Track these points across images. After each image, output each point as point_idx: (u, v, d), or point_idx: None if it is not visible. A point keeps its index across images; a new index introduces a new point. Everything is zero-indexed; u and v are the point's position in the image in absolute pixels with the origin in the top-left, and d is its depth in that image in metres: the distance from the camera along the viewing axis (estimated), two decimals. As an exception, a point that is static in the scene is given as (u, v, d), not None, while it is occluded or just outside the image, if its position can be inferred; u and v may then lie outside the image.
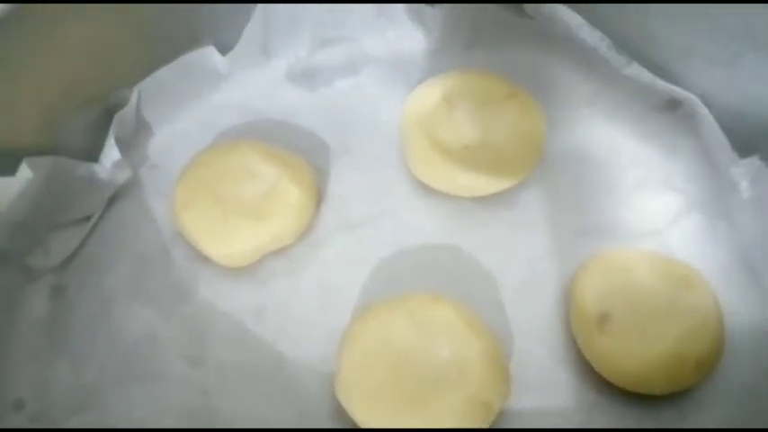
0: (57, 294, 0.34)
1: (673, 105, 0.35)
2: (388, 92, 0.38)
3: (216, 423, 0.31)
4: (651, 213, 0.34)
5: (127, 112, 0.35)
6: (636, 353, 0.28)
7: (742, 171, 0.33)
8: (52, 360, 0.32)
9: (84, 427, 0.31)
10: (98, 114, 0.35)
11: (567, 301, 0.32)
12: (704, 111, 0.34)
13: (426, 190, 0.35)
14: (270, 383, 0.31)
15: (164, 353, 0.32)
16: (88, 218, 0.35)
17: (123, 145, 0.35)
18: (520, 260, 0.33)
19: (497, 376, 0.28)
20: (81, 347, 0.33)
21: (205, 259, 0.34)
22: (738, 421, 0.30)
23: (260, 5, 0.36)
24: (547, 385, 0.31)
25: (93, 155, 0.35)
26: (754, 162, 0.33)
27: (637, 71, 0.35)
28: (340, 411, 0.29)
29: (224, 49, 0.37)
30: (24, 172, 0.31)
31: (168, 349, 0.32)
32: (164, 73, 0.36)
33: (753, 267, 0.33)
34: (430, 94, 0.35)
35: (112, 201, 0.36)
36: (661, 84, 0.35)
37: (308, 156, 0.36)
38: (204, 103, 0.38)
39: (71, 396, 0.32)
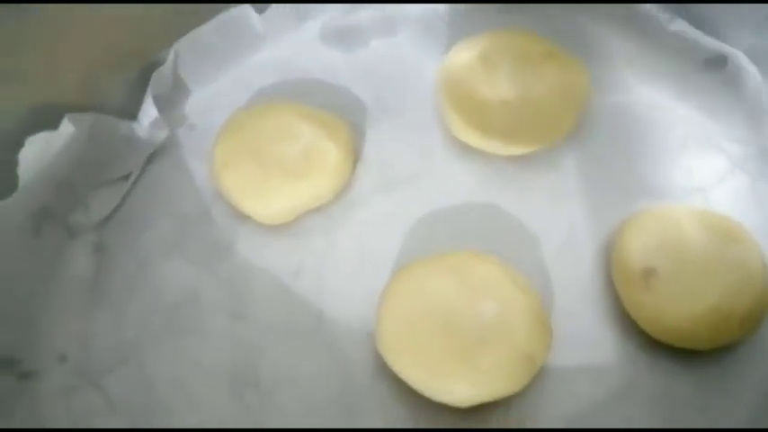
0: (98, 252, 0.34)
1: (717, 63, 0.34)
2: (424, 52, 0.37)
3: (258, 380, 0.31)
4: (694, 173, 0.34)
5: (164, 70, 0.35)
6: (681, 307, 0.28)
7: (789, 129, 0.32)
8: (94, 316, 0.32)
9: (126, 380, 0.31)
10: (137, 73, 0.35)
11: (610, 257, 0.31)
12: (751, 67, 0.33)
13: (464, 150, 0.34)
14: (311, 340, 0.31)
15: (204, 309, 0.32)
16: (127, 177, 0.35)
17: (161, 104, 0.35)
18: (560, 220, 0.33)
19: (541, 331, 0.28)
20: (122, 304, 0.33)
21: (244, 217, 0.33)
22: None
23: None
24: (588, 341, 0.30)
25: (131, 113, 0.35)
26: (803, 119, 0.32)
27: (681, 27, 0.34)
28: (383, 367, 0.29)
29: (260, 9, 0.36)
30: (66, 127, 0.31)
31: (208, 306, 0.32)
32: (201, 32, 0.36)
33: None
34: (467, 53, 0.35)
35: (151, 160, 0.36)
36: (706, 40, 0.34)
37: (344, 115, 0.35)
38: (241, 62, 0.37)
39: (112, 351, 0.32)
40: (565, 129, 0.33)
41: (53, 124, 0.31)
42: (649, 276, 0.28)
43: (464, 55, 0.35)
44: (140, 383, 0.31)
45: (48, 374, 0.31)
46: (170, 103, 0.36)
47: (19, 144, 0.30)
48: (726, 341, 0.28)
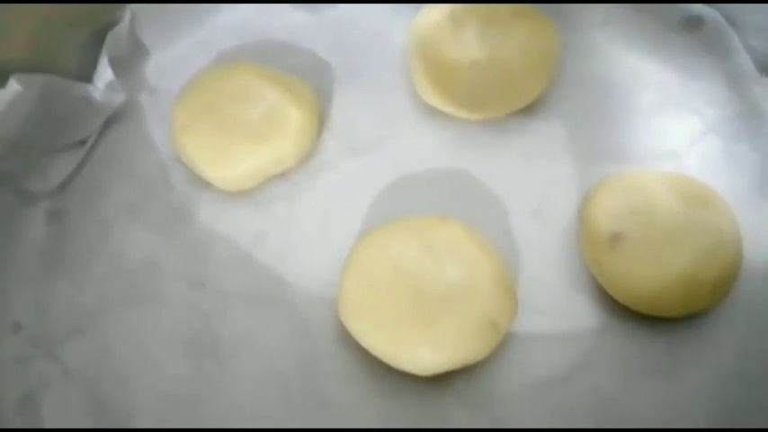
0: (54, 218, 0.33)
1: (693, 24, 0.33)
2: (393, 14, 0.36)
3: (218, 347, 0.30)
4: (668, 136, 0.33)
5: (120, 30, 0.34)
6: (649, 273, 0.27)
7: (763, 90, 0.31)
8: (50, 283, 0.31)
9: (82, 349, 0.30)
10: (91, 33, 0.33)
11: (579, 222, 0.30)
12: (727, 29, 0.32)
13: (433, 113, 0.33)
14: (272, 308, 0.31)
15: (164, 276, 0.32)
16: (84, 141, 0.33)
17: (118, 66, 0.34)
18: (530, 185, 0.32)
19: (505, 296, 0.27)
20: (79, 271, 0.32)
21: (205, 183, 0.32)
22: (753, 346, 0.29)
23: None
24: (556, 309, 0.30)
25: (87, 76, 0.33)
26: (777, 81, 0.31)
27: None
28: (345, 334, 0.29)
29: (224, -34, 0.35)
30: (13, 86, 0.29)
31: (168, 273, 0.32)
32: (160, -7, 0.34)
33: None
34: (436, 14, 0.33)
35: (109, 124, 0.34)
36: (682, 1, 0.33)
37: (310, 79, 0.34)
38: (203, 24, 0.36)
39: (69, 319, 0.31)
40: (535, 92, 0.32)
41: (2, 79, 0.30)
42: (616, 241, 0.28)
43: (433, 16, 0.33)
44: (97, 352, 0.30)
45: (1, 344, 0.30)
46: (128, 65, 0.35)
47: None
48: (696, 309, 0.28)
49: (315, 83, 0.34)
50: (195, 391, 0.29)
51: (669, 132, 0.33)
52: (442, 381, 0.28)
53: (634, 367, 0.29)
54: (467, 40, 0.32)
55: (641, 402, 0.28)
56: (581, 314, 0.29)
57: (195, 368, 0.30)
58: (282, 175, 0.33)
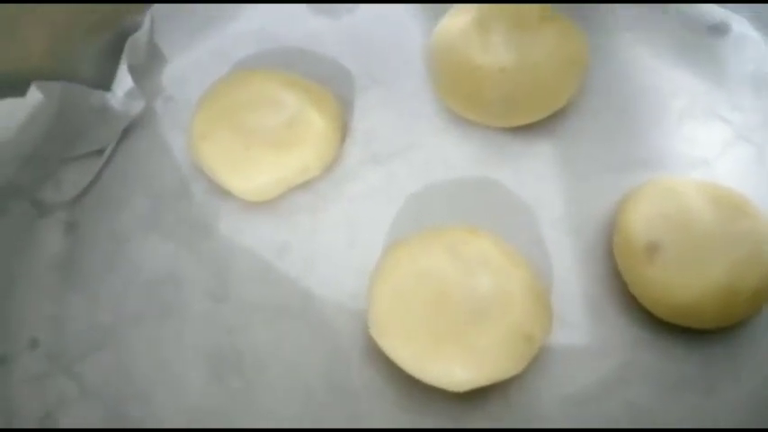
0: (71, 230, 0.32)
1: (720, 29, 0.33)
2: (415, 19, 0.35)
3: (242, 362, 0.29)
4: (698, 143, 0.32)
5: (139, 37, 0.33)
6: (686, 284, 0.27)
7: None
8: (67, 298, 0.31)
9: (101, 366, 0.29)
10: (111, 40, 0.33)
11: (612, 232, 0.30)
12: (754, 34, 0.32)
13: (458, 120, 0.33)
14: (297, 321, 0.30)
15: (184, 290, 0.31)
16: (101, 151, 0.33)
17: (137, 74, 0.33)
18: (559, 193, 0.32)
19: (539, 309, 0.27)
20: (97, 285, 0.31)
21: (226, 193, 0.32)
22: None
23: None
24: (588, 320, 0.29)
25: (105, 83, 0.33)
26: (807, 88, 0.31)
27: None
28: (374, 349, 0.28)
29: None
30: (33, 95, 0.29)
31: (188, 286, 0.31)
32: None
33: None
34: (461, 19, 0.33)
35: (126, 133, 0.34)
36: (709, 6, 0.33)
37: (331, 86, 0.34)
38: (221, 29, 0.36)
39: (87, 335, 0.30)
40: (563, 98, 0.32)
41: (19, 93, 0.29)
42: (653, 251, 0.27)
43: (458, 20, 0.33)
44: (116, 369, 0.30)
45: (18, 360, 0.29)
46: (146, 72, 0.34)
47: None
48: (733, 320, 0.27)
49: (336, 90, 0.34)
50: (218, 408, 0.29)
51: (699, 139, 0.32)
52: (474, 397, 0.27)
53: (669, 381, 0.28)
54: (493, 45, 0.32)
55: (677, 417, 0.28)
56: (614, 326, 0.29)
57: (218, 384, 0.29)
58: (305, 185, 0.32)
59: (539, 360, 0.28)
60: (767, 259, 0.27)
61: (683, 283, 0.27)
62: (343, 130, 0.33)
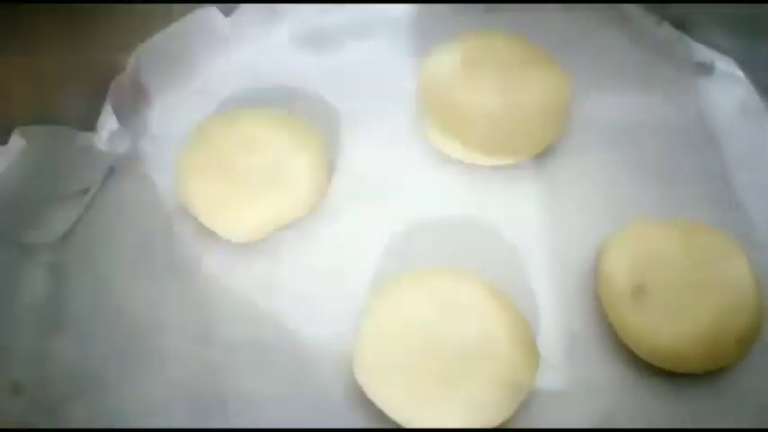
0: (55, 272, 0.33)
1: (706, 69, 0.35)
2: (402, 56, 0.37)
3: (227, 405, 0.30)
4: (681, 183, 0.33)
5: (124, 78, 0.34)
6: (672, 328, 0.28)
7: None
8: (51, 341, 0.32)
9: (86, 408, 0.30)
10: (95, 81, 0.34)
11: (596, 273, 0.31)
12: (740, 74, 0.34)
13: (444, 159, 0.34)
14: (283, 362, 0.31)
15: (169, 332, 0.32)
16: (85, 191, 0.34)
17: (122, 113, 0.34)
18: (544, 233, 0.33)
19: (526, 354, 0.28)
20: (81, 328, 0.32)
21: (212, 234, 0.33)
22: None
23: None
24: (573, 362, 0.30)
25: (89, 124, 0.34)
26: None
27: (669, 32, 0.34)
28: (358, 391, 0.29)
29: (227, 11, 0.36)
30: (16, 142, 0.30)
31: (173, 328, 0.32)
32: (163, 36, 0.35)
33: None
34: (448, 57, 0.34)
35: (111, 173, 0.35)
36: (690, 46, 0.34)
37: (316, 123, 0.35)
38: (206, 68, 0.37)
39: (72, 378, 0.31)
40: (548, 139, 0.33)
41: (4, 135, 0.30)
42: (639, 294, 0.28)
43: (444, 59, 0.34)
44: (102, 411, 0.30)
45: (1, 407, 0.30)
46: (131, 112, 0.35)
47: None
48: (720, 364, 0.29)
49: (321, 127, 0.35)
50: (203, 452, 0.29)
51: (684, 177, 0.33)
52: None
53: (655, 423, 0.29)
54: (480, 87, 0.33)
55: None
56: (600, 368, 0.30)
57: (203, 424, 0.30)
58: (291, 224, 0.33)
59: (526, 404, 0.29)
60: (751, 304, 0.28)
61: (669, 327, 0.28)
62: (329, 170, 0.34)
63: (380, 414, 0.28)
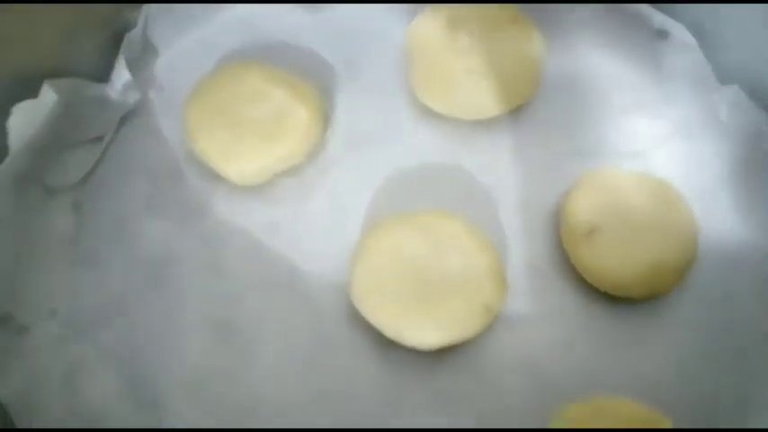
0: (76, 211, 0.37)
1: (662, 35, 0.39)
2: (392, 16, 0.40)
3: (239, 327, 0.35)
4: (639, 136, 0.38)
5: (135, 33, 0.38)
6: (619, 261, 0.34)
7: (722, 98, 0.38)
8: (78, 272, 0.36)
9: (113, 332, 0.35)
10: (108, 37, 0.38)
11: (558, 215, 0.36)
12: (691, 41, 0.38)
13: (429, 113, 0.38)
14: (287, 293, 0.36)
15: (182, 265, 0.36)
16: (101, 138, 0.38)
17: (132, 67, 0.38)
18: (517, 179, 0.38)
19: (496, 283, 0.33)
20: (103, 260, 0.36)
21: (218, 178, 0.37)
22: (708, 324, 0.35)
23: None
24: (537, 291, 0.36)
25: (103, 76, 0.38)
26: (733, 90, 0.37)
27: (633, 5, 0.38)
28: (355, 315, 0.34)
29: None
30: (47, 93, 0.34)
31: (186, 261, 0.36)
32: (170, -5, 0.38)
33: (729, 187, 0.37)
34: (433, 18, 0.38)
35: (123, 122, 0.38)
36: (651, 13, 0.39)
37: (312, 77, 0.39)
38: (207, 23, 0.40)
39: (98, 305, 0.36)
40: (523, 96, 0.37)
41: (33, 89, 0.34)
42: (592, 234, 0.34)
43: (430, 20, 0.38)
44: (127, 334, 0.35)
45: (40, 328, 0.35)
46: (140, 65, 0.39)
47: (1, 112, 0.33)
48: (658, 291, 0.34)
49: (316, 81, 0.39)
50: (220, 366, 0.34)
51: (639, 134, 0.38)
52: (440, 355, 0.34)
53: (606, 342, 0.35)
54: (462, 47, 0.37)
55: (616, 371, 0.34)
56: (562, 297, 0.35)
57: (218, 345, 0.35)
58: (291, 171, 0.37)
59: (496, 324, 0.34)
60: (687, 241, 0.34)
61: (616, 260, 0.34)
62: (325, 121, 0.38)
63: (373, 330, 0.34)
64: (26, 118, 0.33)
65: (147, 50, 0.39)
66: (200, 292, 0.36)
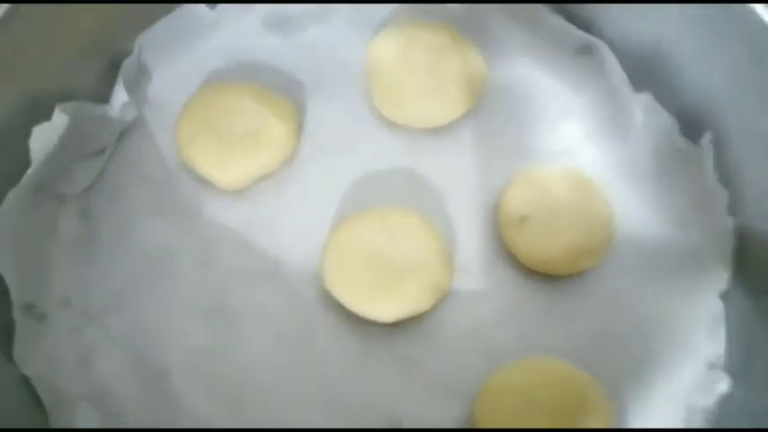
0: (85, 214, 0.43)
1: (585, 50, 0.46)
2: (354, 37, 0.46)
3: (229, 313, 0.41)
4: (567, 138, 0.45)
5: (131, 60, 0.44)
6: (546, 244, 0.41)
7: (637, 104, 0.45)
8: (88, 268, 0.42)
9: (122, 319, 0.41)
10: (107, 64, 0.43)
11: (497, 208, 0.43)
12: (610, 55, 0.45)
13: (388, 123, 0.45)
14: (268, 281, 0.42)
15: (179, 260, 0.42)
16: (103, 152, 0.44)
17: (129, 89, 0.43)
18: (463, 178, 0.44)
19: (445, 266, 0.40)
20: (110, 257, 0.42)
21: (207, 183, 0.43)
22: (627, 295, 0.42)
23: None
24: (481, 271, 0.42)
25: (104, 98, 0.44)
26: (646, 96, 0.44)
27: (558, 21, 0.45)
28: (328, 298, 0.41)
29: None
30: (59, 115, 0.40)
31: (182, 257, 0.42)
32: (160, 25, 0.44)
33: (643, 178, 0.44)
34: (388, 41, 0.45)
35: (123, 136, 0.44)
36: (577, 32, 0.46)
37: (287, 93, 0.45)
38: (195, 49, 0.46)
39: (107, 295, 0.41)
40: (467, 106, 0.44)
41: (46, 111, 0.40)
42: (524, 222, 0.41)
43: (385, 43, 0.45)
44: (133, 321, 0.41)
45: (57, 316, 0.41)
46: (136, 86, 0.45)
47: (19, 131, 0.39)
48: (581, 269, 0.41)
49: (290, 96, 0.45)
50: (215, 347, 0.41)
51: (568, 135, 0.45)
52: (400, 326, 0.41)
53: (539, 313, 0.42)
54: (412, 64, 0.44)
55: (548, 337, 0.41)
56: (501, 276, 0.42)
57: (212, 329, 0.41)
58: (269, 175, 0.44)
59: (446, 300, 0.41)
60: (604, 225, 0.41)
61: (543, 243, 0.41)
62: (298, 131, 0.45)
63: (343, 309, 0.40)
64: (44, 137, 0.39)
65: (142, 74, 0.45)
66: (193, 283, 0.42)
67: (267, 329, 0.41)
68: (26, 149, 0.39)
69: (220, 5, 0.46)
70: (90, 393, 0.40)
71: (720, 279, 0.42)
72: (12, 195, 0.39)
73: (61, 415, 0.39)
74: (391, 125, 0.45)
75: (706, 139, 0.42)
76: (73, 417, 0.39)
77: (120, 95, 0.43)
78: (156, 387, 0.40)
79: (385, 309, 0.39)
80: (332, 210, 0.44)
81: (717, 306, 0.42)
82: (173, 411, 0.40)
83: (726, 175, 0.42)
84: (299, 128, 0.45)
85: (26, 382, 0.39)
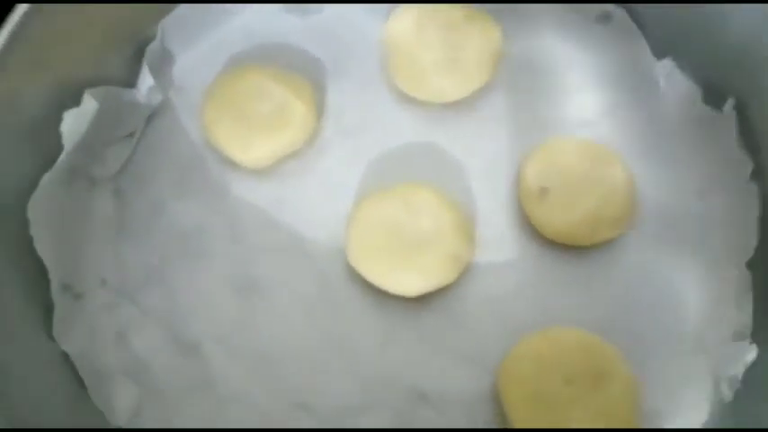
0: (117, 196, 0.45)
1: (605, 18, 0.46)
2: (371, 16, 0.47)
3: (257, 286, 0.43)
4: (587, 108, 0.45)
5: (155, 45, 0.45)
6: (566, 215, 0.41)
7: (658, 71, 0.45)
8: (122, 247, 0.44)
9: (155, 295, 0.43)
10: (132, 50, 0.45)
11: (516, 179, 0.44)
12: (630, 23, 0.45)
13: (407, 99, 0.46)
14: (295, 256, 0.43)
15: (209, 237, 0.44)
16: (132, 135, 0.45)
17: (154, 72, 0.45)
18: (483, 151, 0.45)
19: (465, 238, 0.41)
20: (142, 237, 0.44)
21: (232, 163, 0.44)
22: (651, 263, 0.43)
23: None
24: (502, 244, 0.43)
25: (131, 83, 0.45)
26: (667, 63, 0.44)
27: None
28: (352, 273, 0.42)
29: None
30: (89, 100, 0.42)
31: (212, 233, 0.44)
32: (181, 11, 0.46)
33: (665, 147, 0.45)
34: (405, 18, 0.45)
35: (150, 119, 0.46)
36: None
37: (307, 73, 0.46)
38: (216, 32, 0.47)
39: (141, 273, 0.43)
40: (484, 79, 0.45)
41: (75, 96, 0.42)
42: (543, 194, 0.42)
43: (402, 20, 0.46)
44: (166, 297, 0.43)
45: (93, 294, 0.43)
46: (161, 70, 0.46)
47: (51, 117, 0.41)
48: (600, 239, 0.42)
49: (310, 76, 0.46)
50: (245, 318, 0.42)
51: (588, 106, 0.45)
52: (422, 300, 0.42)
53: (559, 283, 0.42)
54: (429, 42, 0.45)
55: (568, 308, 0.42)
56: (519, 246, 0.43)
57: (242, 302, 0.43)
58: (292, 155, 0.45)
59: (468, 272, 0.42)
60: (623, 196, 0.42)
61: (563, 214, 0.41)
62: (319, 111, 0.46)
63: (367, 283, 0.42)
64: (74, 122, 0.41)
65: (166, 59, 0.47)
66: (222, 259, 0.44)
67: (294, 303, 0.43)
68: (58, 135, 0.41)
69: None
70: (127, 367, 0.42)
71: (746, 248, 0.42)
72: (46, 179, 0.41)
73: (100, 389, 0.41)
74: (411, 102, 0.46)
75: (729, 106, 0.42)
76: (111, 390, 0.41)
77: (146, 80, 0.45)
78: (190, 359, 0.42)
79: (408, 281, 0.41)
80: (354, 186, 0.45)
81: (743, 275, 0.42)
82: (206, 381, 0.42)
83: (749, 143, 0.42)
84: (319, 107, 0.46)
85: (66, 359, 0.41)
